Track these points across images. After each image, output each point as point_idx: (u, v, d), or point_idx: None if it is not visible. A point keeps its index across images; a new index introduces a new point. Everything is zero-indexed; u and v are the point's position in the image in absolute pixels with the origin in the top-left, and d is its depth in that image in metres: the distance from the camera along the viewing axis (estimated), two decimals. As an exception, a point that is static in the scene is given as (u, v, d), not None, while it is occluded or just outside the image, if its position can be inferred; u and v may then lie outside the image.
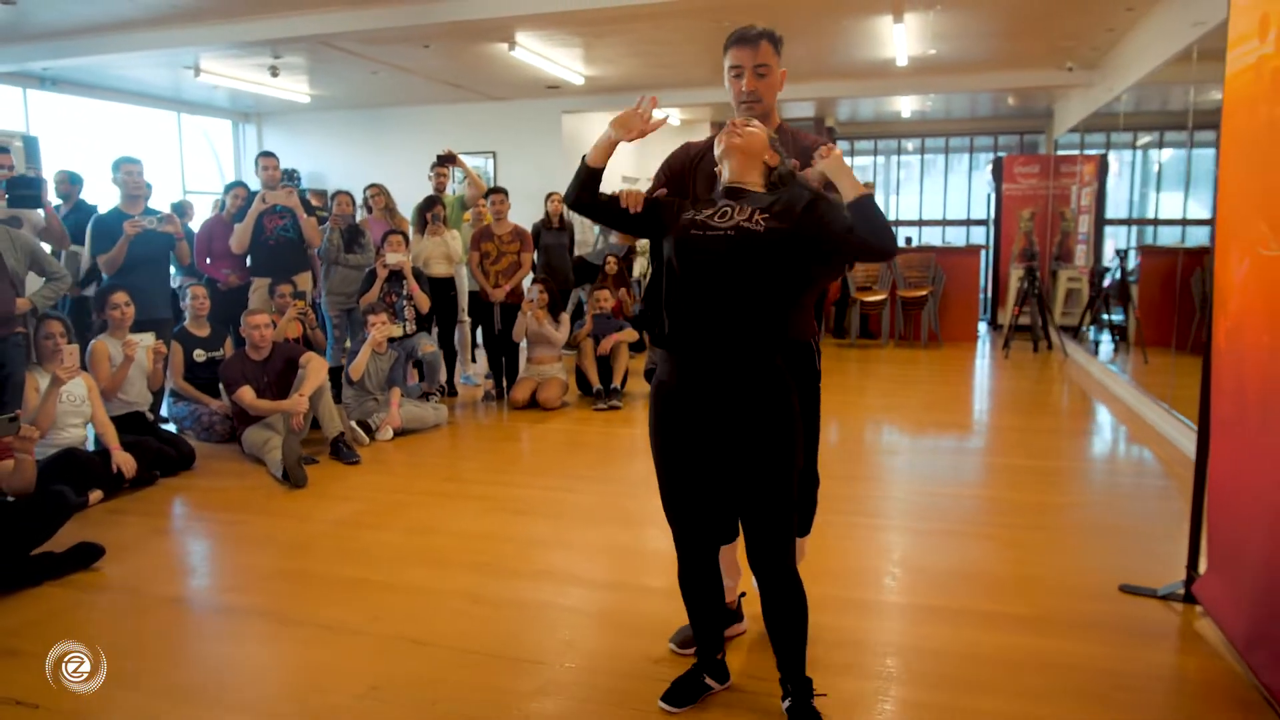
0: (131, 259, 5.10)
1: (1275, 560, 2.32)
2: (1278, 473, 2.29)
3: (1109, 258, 8.32)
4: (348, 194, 6.40)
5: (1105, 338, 8.30)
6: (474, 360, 7.46)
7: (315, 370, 5.00)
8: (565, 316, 6.54)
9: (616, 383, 6.35)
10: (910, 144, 12.93)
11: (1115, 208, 8.69)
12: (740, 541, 2.61)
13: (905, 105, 11.21)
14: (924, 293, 9.31)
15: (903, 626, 2.84)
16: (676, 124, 12.10)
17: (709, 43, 7.34)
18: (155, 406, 5.14)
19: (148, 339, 4.87)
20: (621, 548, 3.64)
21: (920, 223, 12.81)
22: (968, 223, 12.60)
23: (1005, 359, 8.50)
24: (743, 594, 2.75)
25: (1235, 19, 2.59)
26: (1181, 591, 2.96)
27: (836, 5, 6.16)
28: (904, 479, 4.71)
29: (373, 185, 6.78)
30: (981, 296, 10.63)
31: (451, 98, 9.73)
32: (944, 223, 12.75)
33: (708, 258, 2.12)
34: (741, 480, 2.17)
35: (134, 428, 4.66)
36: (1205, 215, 5.31)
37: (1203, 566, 2.92)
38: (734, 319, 2.12)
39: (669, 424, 2.23)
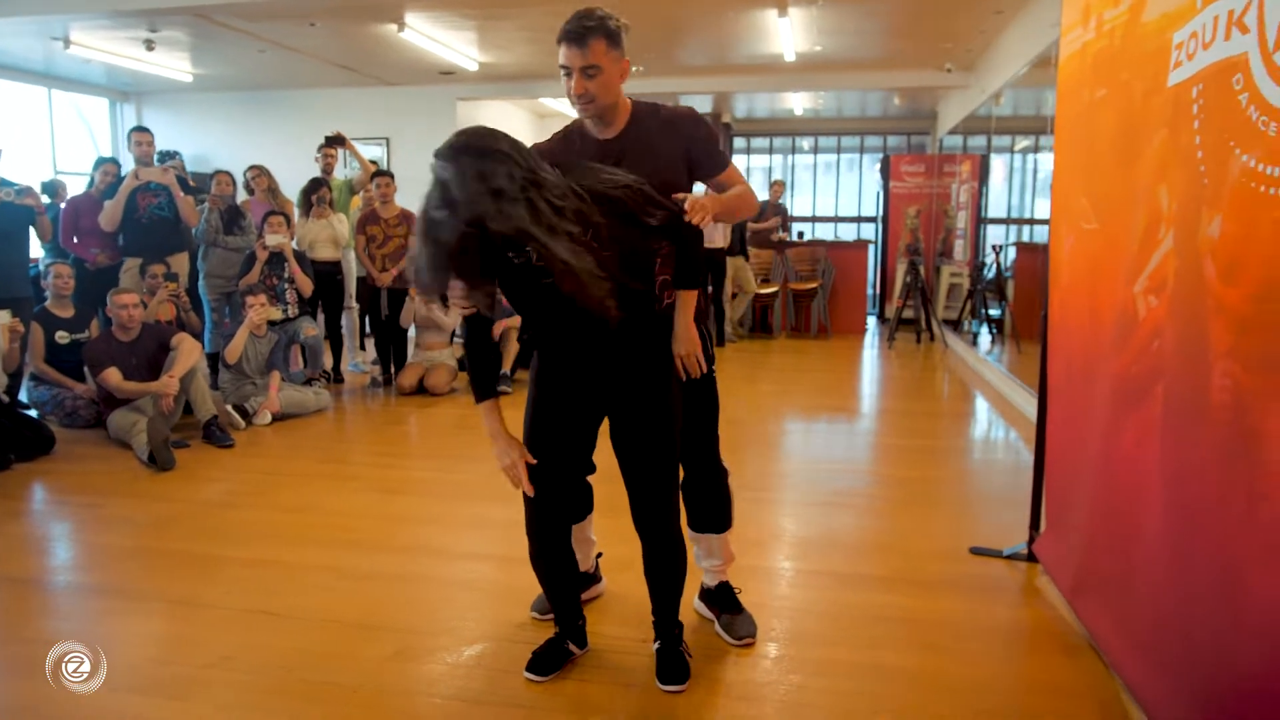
0: (-15, 233, 4.86)
1: (1095, 516, 2.48)
2: (1096, 433, 2.44)
3: (986, 254, 8.70)
4: (228, 174, 6.21)
5: (984, 330, 8.68)
6: (363, 348, 7.32)
7: (187, 352, 4.84)
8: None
9: (506, 369, 6.32)
10: (805, 142, 13.24)
11: (996, 208, 9.08)
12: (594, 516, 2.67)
13: (798, 103, 11.46)
14: (813, 285, 9.53)
15: (765, 588, 2.92)
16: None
17: (603, 32, 7.36)
18: (13, 389, 4.89)
19: (3, 317, 4.63)
20: (493, 522, 3.62)
21: (814, 219, 13.13)
22: (859, 219, 12.98)
23: (889, 350, 8.79)
24: (599, 554, 2.78)
25: (1066, 9, 2.76)
26: (1025, 551, 3.13)
27: (722, -2, 6.27)
28: (786, 456, 4.86)
29: (253, 166, 6.57)
30: (870, 291, 10.95)
31: (343, 81, 9.51)
32: (836, 219, 13.10)
33: (543, 302, 2.08)
34: (623, 439, 2.19)
35: (-15, 410, 4.43)
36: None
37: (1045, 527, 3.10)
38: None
39: (549, 377, 2.22)
